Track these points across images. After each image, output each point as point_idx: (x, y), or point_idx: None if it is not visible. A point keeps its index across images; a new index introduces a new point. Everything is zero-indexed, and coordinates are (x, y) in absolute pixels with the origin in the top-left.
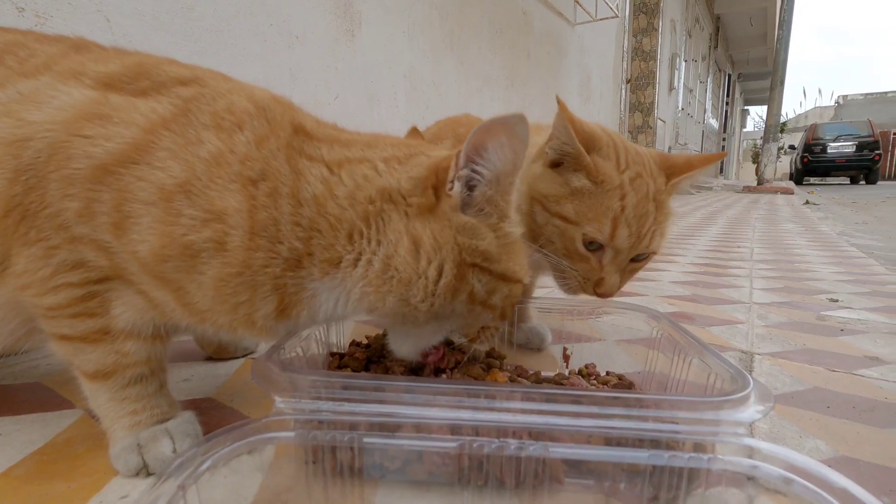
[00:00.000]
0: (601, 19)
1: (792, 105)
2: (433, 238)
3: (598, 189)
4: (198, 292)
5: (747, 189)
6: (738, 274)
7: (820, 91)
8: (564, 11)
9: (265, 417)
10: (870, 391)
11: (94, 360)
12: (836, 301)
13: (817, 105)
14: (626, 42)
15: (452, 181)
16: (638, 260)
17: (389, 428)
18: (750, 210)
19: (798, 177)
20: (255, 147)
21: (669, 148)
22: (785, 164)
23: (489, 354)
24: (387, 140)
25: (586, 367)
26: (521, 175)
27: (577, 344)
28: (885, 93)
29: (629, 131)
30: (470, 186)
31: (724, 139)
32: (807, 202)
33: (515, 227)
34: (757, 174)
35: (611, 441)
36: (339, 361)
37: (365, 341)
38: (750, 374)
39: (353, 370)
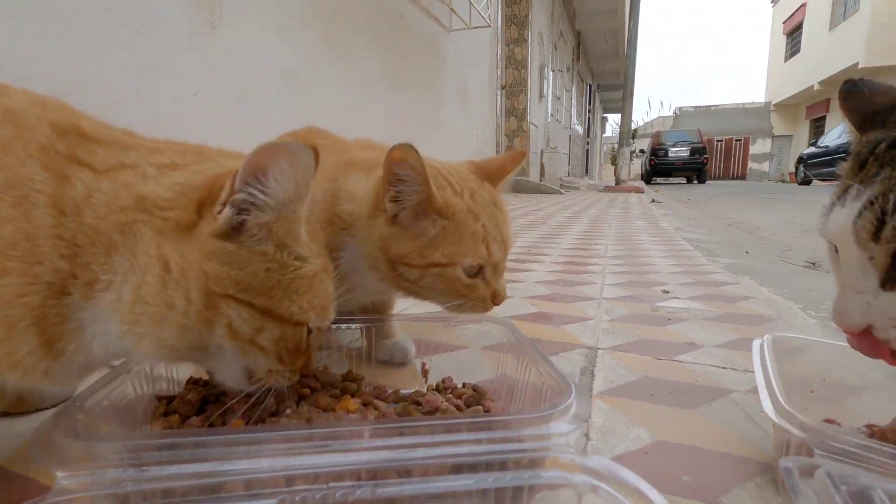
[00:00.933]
0: (475, 27)
1: (640, 114)
2: (181, 263)
3: (454, 222)
4: None
5: (607, 188)
6: (593, 270)
7: (661, 103)
8: (440, 17)
9: (41, 499)
10: (686, 375)
11: None
12: (668, 292)
13: (660, 115)
14: (499, 50)
15: (224, 204)
16: None
17: (212, 489)
18: (608, 208)
19: (647, 177)
20: None
21: (542, 151)
22: (637, 166)
23: (346, 378)
24: (181, 147)
25: (443, 381)
26: (363, 236)
27: (441, 355)
28: (709, 106)
29: (506, 135)
30: (243, 210)
31: (588, 143)
32: (653, 200)
33: (304, 261)
34: (615, 175)
35: (458, 468)
36: (165, 407)
37: (206, 377)
38: (592, 371)
39: (183, 415)
